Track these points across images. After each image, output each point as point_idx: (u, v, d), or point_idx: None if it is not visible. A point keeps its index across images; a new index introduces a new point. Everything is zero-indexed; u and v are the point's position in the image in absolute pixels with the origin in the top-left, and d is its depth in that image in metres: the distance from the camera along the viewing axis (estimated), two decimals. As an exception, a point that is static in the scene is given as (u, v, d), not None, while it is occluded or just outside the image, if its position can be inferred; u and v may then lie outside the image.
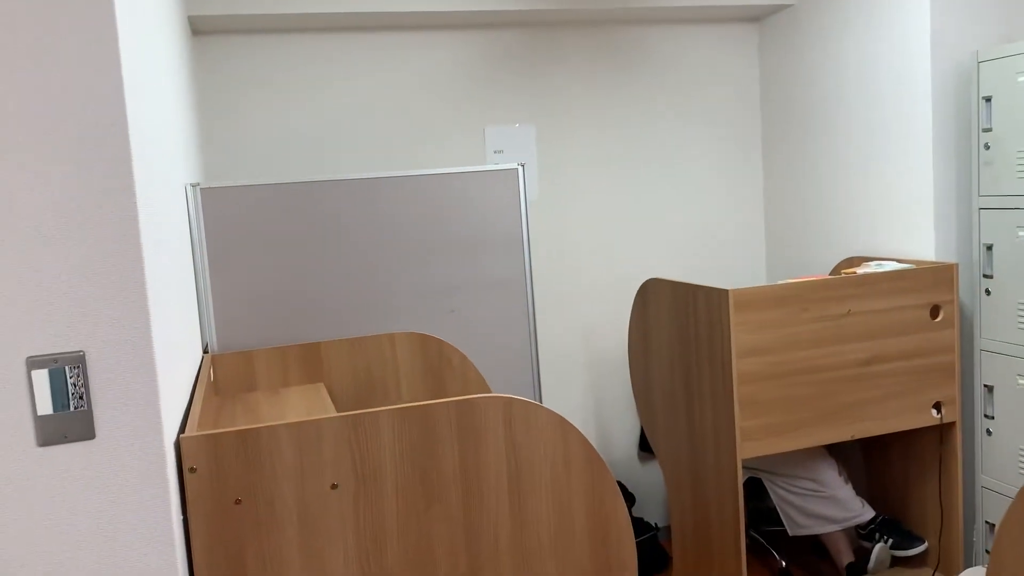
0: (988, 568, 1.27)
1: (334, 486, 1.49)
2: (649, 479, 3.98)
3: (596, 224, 3.88)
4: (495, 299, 3.03)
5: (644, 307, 3.20)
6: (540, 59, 3.75)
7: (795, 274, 3.85)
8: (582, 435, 1.59)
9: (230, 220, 2.64)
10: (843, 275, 2.87)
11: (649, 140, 3.91)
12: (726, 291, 2.67)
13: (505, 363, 3.03)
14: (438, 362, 2.72)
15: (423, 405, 1.52)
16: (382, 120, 3.59)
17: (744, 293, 2.69)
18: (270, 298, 2.70)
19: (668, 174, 3.95)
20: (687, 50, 3.91)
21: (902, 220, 3.20)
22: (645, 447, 3.92)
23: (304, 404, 2.29)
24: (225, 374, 2.56)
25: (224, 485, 1.46)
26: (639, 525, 3.73)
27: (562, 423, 1.57)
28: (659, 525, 3.89)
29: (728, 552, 2.87)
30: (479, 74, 3.69)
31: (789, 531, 3.18)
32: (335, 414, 1.53)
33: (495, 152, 3.71)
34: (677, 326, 2.99)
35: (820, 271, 3.52)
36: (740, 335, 2.69)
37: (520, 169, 3.04)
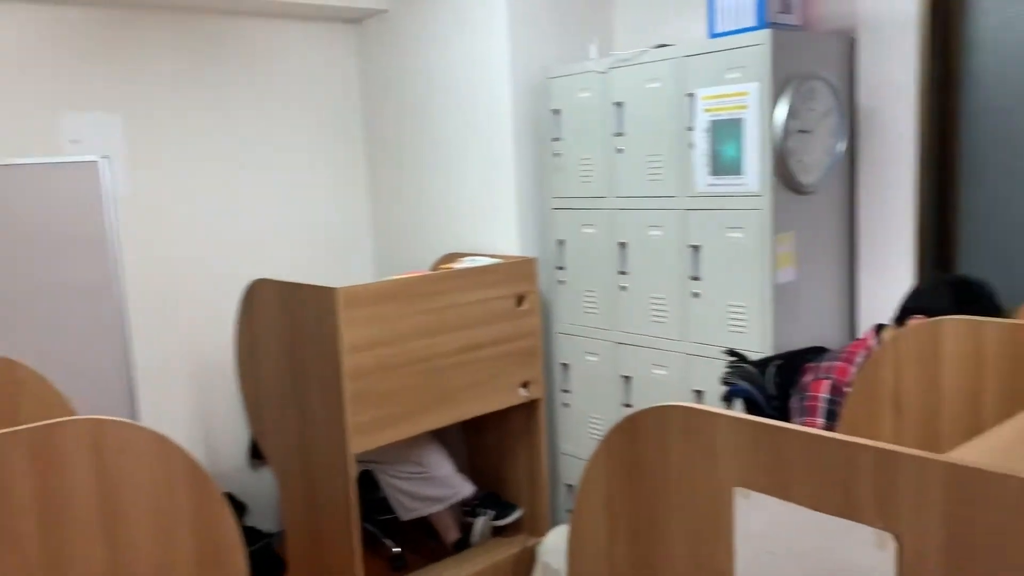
0: (570, 524, 1.43)
1: None
2: (261, 486, 3.87)
3: (198, 223, 3.66)
4: (79, 308, 2.72)
5: (251, 309, 3.10)
6: (128, 44, 3.43)
7: (401, 271, 4.01)
8: (186, 453, 1.49)
9: None
10: (441, 270, 3.05)
11: (254, 136, 3.79)
12: (334, 289, 2.69)
13: (94, 380, 2.74)
14: (8, 386, 2.36)
15: (-12, 438, 1.30)
16: (-80, 100, 3.01)
17: (352, 291, 2.73)
18: None
19: (274, 172, 3.86)
20: (288, 46, 3.86)
21: (491, 219, 3.49)
22: (257, 454, 3.80)
23: None
24: None
25: None
26: (252, 534, 3.62)
27: (162, 442, 1.46)
28: (273, 531, 3.80)
29: (342, 546, 2.90)
30: (53, 55, 3.26)
31: (400, 516, 3.31)
32: None
33: (71, 142, 3.31)
34: (286, 327, 2.94)
35: (423, 267, 3.71)
36: (349, 332, 2.73)
37: (103, 162, 2.75)
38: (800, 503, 1.12)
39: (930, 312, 2.20)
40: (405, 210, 3.94)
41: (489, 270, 3.12)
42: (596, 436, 3.28)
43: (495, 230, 3.49)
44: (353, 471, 2.81)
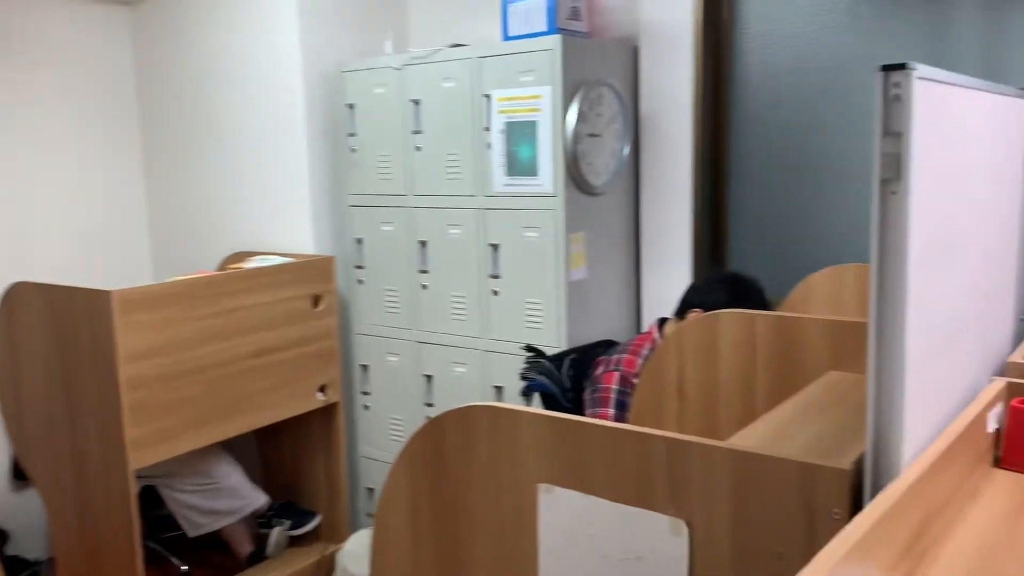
0: (373, 528, 1.39)
1: None
2: (26, 509, 3.50)
3: (-62, 219, 3.24)
4: None
5: (11, 316, 2.78)
6: None
7: (182, 271, 3.76)
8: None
9: None
10: (230, 270, 2.89)
11: (15, 127, 3.40)
12: (107, 292, 2.47)
13: None
14: None
15: None
16: None
17: (128, 293, 2.52)
18: None
19: (38, 166, 3.49)
20: (53, 29, 3.50)
21: (283, 216, 3.36)
22: (20, 474, 3.43)
23: None
24: None
25: None
26: (16, 564, 3.26)
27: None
28: (41, 559, 3.44)
29: (123, 570, 2.68)
30: None
31: (188, 533, 3.11)
32: None
33: None
34: (53, 334, 2.66)
35: (209, 268, 3.50)
36: (126, 339, 2.51)
37: None
38: (600, 495, 1.15)
39: (707, 306, 2.36)
40: (188, 207, 3.70)
41: (282, 269, 3.00)
42: (398, 438, 3.24)
43: (288, 228, 3.36)
44: (133, 488, 2.60)
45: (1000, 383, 1.30)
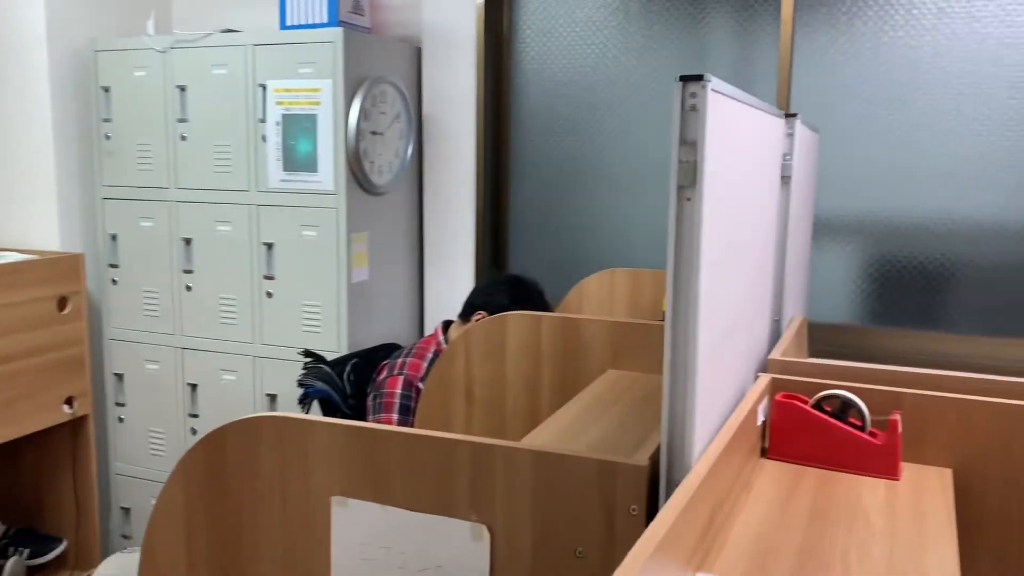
0: (141, 555, 1.26)
1: None
2: None
3: None
4: None
5: None
6: None
7: None
8: None
9: None
10: (-44, 269, 2.52)
11: None
12: None
13: None
14: None
15: None
16: None
17: None
18: None
19: None
20: None
21: (24, 209, 2.98)
22: None
23: None
24: None
25: None
26: None
27: None
28: None
29: None
30: None
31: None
32: None
33: None
34: None
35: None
36: None
37: None
38: (399, 505, 1.11)
39: (491, 308, 2.39)
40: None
41: (20, 268, 2.66)
42: (158, 452, 2.98)
43: (30, 221, 2.98)
44: None
45: (765, 379, 1.40)
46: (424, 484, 1.09)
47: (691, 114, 0.93)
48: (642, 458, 1.02)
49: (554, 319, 1.91)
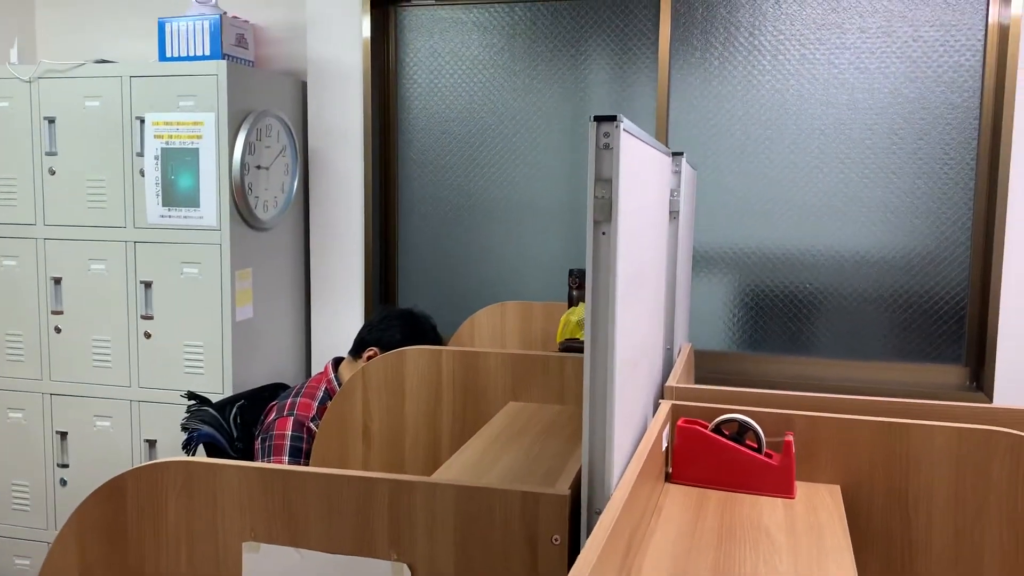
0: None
1: None
2: None
3: None
4: None
5: None
6: None
7: None
8: None
9: None
10: None
11: None
12: None
13: None
14: None
15: None
16: None
17: None
18: None
19: None
20: None
21: None
22: None
23: None
24: None
25: None
26: None
27: None
28: None
29: None
30: None
31: None
32: None
33: None
34: None
35: None
36: None
37: None
38: (316, 548, 1.08)
39: (384, 344, 2.37)
40: None
41: None
42: (22, 508, 2.77)
43: None
44: None
45: (667, 405, 1.45)
46: (341, 524, 1.07)
47: (605, 152, 0.97)
48: (563, 488, 1.04)
49: (454, 353, 1.91)
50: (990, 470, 1.31)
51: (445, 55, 2.98)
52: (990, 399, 2.51)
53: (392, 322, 2.51)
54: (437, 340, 2.50)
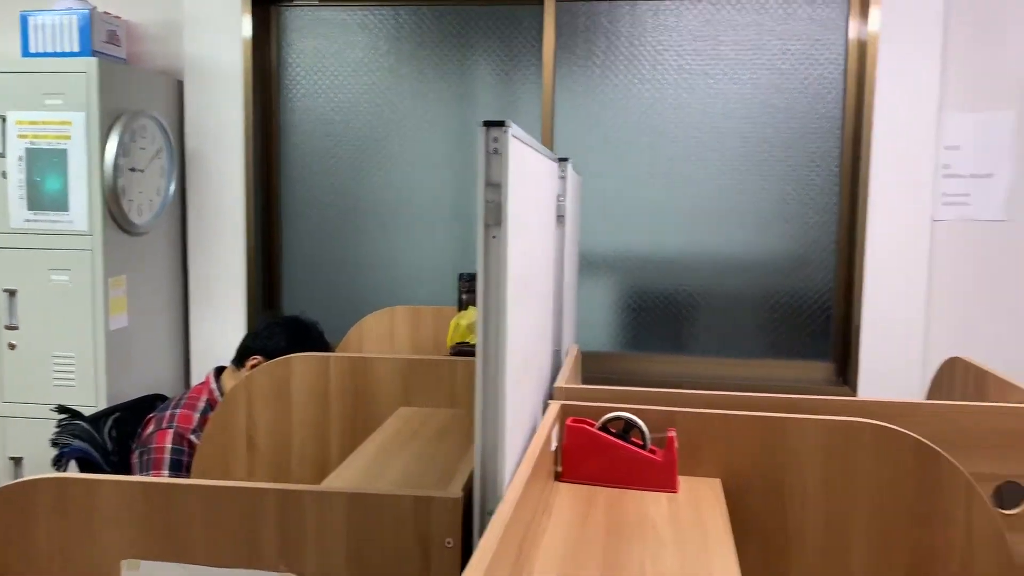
0: None
1: None
2: None
3: None
4: None
5: None
6: None
7: None
8: None
9: None
10: None
11: None
12: None
13: None
14: None
15: None
16: None
17: None
18: None
19: None
20: None
21: None
22: None
23: None
24: None
25: None
26: None
27: None
28: None
29: None
30: None
31: None
32: None
33: None
34: None
35: None
36: None
37: None
38: (201, 562, 1.05)
39: (268, 352, 2.31)
40: None
41: None
42: None
43: None
44: None
45: (556, 405, 1.48)
46: (227, 537, 1.04)
47: (495, 157, 0.98)
48: (456, 490, 1.05)
49: (342, 359, 1.89)
50: (856, 459, 1.39)
51: (329, 56, 2.94)
52: (855, 392, 2.67)
53: (277, 329, 2.45)
54: (324, 347, 2.46)
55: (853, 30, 2.68)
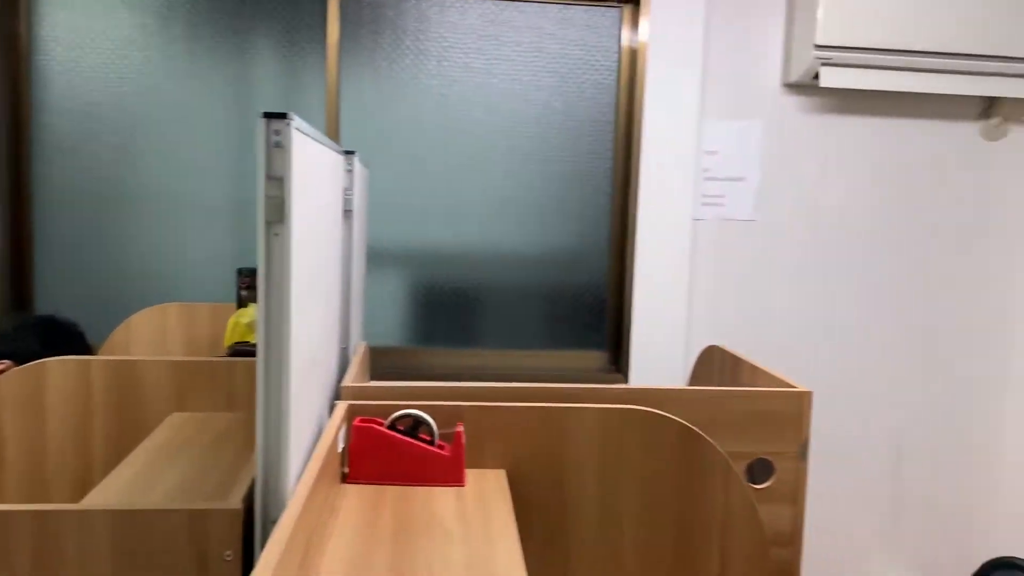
0: None
1: None
2: None
3: None
4: None
5: None
6: None
7: None
8: None
9: None
10: None
11: None
12: None
13: None
14: None
15: None
16: None
17: None
18: None
19: None
20: None
21: None
22: None
23: None
24: None
25: None
26: None
27: None
28: None
29: None
30: None
31: None
32: None
33: None
34: None
35: None
36: None
37: None
38: (-65, 600, 0.93)
39: (19, 357, 2.09)
40: None
41: None
42: None
43: None
44: None
45: (343, 406, 1.45)
46: (-31, 570, 0.93)
47: (277, 151, 0.94)
48: (235, 501, 1.00)
49: (105, 363, 1.74)
50: (628, 443, 1.48)
51: (90, 32, 2.69)
52: (626, 379, 2.84)
53: (28, 331, 2.22)
54: (84, 349, 2.26)
55: (625, 38, 2.84)
